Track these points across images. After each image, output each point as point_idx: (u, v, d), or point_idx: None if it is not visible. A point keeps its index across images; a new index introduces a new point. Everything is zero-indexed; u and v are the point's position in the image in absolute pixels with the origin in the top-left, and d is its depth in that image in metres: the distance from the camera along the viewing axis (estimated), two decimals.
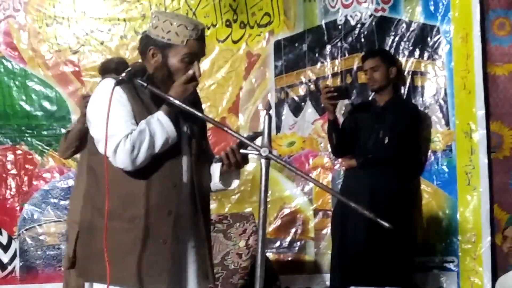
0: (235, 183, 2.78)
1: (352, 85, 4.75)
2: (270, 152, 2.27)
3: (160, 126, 2.51)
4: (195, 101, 2.70)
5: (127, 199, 2.58)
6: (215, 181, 2.70)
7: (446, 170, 4.70)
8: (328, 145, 4.69)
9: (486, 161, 4.59)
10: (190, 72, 2.55)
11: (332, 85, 4.52)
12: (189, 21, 2.59)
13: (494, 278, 4.49)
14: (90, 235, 2.64)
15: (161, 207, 2.57)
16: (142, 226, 2.56)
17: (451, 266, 4.69)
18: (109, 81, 2.54)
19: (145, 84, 2.53)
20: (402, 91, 4.80)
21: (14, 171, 4.83)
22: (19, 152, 4.84)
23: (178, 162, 2.62)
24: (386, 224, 2.18)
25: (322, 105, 4.49)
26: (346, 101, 4.70)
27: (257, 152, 2.29)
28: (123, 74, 2.52)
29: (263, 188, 2.25)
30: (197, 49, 2.56)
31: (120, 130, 2.49)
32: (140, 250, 2.56)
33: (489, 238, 4.56)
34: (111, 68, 4.11)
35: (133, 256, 2.56)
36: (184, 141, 2.64)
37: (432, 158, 4.74)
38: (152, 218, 2.56)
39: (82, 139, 4.06)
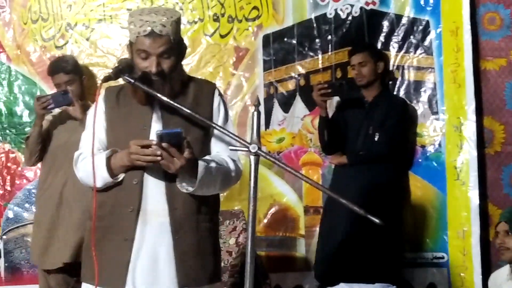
0: (201, 190, 2.69)
1: (344, 79, 4.80)
2: (259, 148, 2.34)
3: (100, 173, 2.66)
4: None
5: (100, 199, 2.70)
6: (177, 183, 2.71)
7: (435, 164, 4.80)
8: (318, 142, 4.73)
9: (475, 155, 4.67)
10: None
11: (325, 81, 4.52)
12: (141, 18, 2.65)
13: (488, 274, 4.52)
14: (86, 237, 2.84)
15: (122, 205, 2.67)
16: (106, 224, 2.69)
17: (441, 262, 4.76)
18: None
19: (132, 81, 2.60)
20: (392, 85, 4.83)
21: None
22: (1, 150, 4.88)
23: None
24: (377, 221, 2.22)
25: (315, 100, 4.54)
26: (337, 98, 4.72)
27: (246, 149, 2.34)
28: (110, 71, 2.59)
29: (252, 185, 2.35)
30: (146, 45, 2.64)
31: (81, 148, 2.79)
32: (104, 248, 2.67)
33: (478, 234, 4.61)
34: (61, 66, 4.18)
35: (98, 254, 2.65)
36: (153, 136, 2.68)
37: (421, 152, 4.78)
38: (114, 216, 2.67)
39: (44, 143, 4.12)
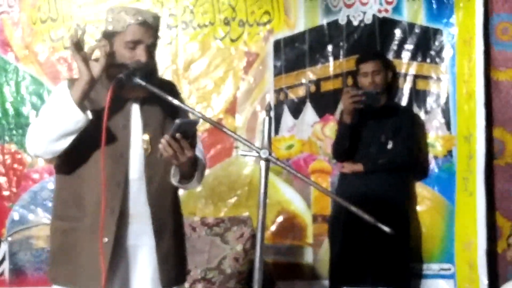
0: (193, 184, 2.73)
1: (379, 89, 4.66)
2: (270, 154, 2.31)
3: (67, 111, 2.56)
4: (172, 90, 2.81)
5: (67, 199, 2.71)
6: (171, 178, 2.72)
7: (447, 175, 4.80)
8: (328, 149, 4.75)
9: (483, 166, 4.67)
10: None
11: (360, 89, 4.50)
12: (133, 9, 2.72)
13: (496, 286, 4.53)
14: (50, 236, 2.84)
15: (104, 206, 2.62)
16: (84, 225, 2.67)
17: (448, 273, 4.75)
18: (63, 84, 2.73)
19: (143, 83, 2.59)
20: (405, 95, 4.88)
21: (2, 171, 4.90)
22: (7, 151, 4.90)
23: (124, 159, 2.69)
24: (387, 229, 2.22)
25: (345, 106, 4.49)
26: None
27: (257, 154, 2.33)
28: (122, 73, 2.60)
29: (262, 191, 2.31)
30: (139, 34, 2.65)
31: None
32: (84, 249, 2.66)
33: (485, 246, 4.61)
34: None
35: (77, 256, 2.67)
36: (134, 135, 2.71)
37: (434, 163, 4.79)
38: (95, 218, 2.63)
39: None
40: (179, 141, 2.53)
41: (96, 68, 2.58)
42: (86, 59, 2.57)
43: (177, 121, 2.52)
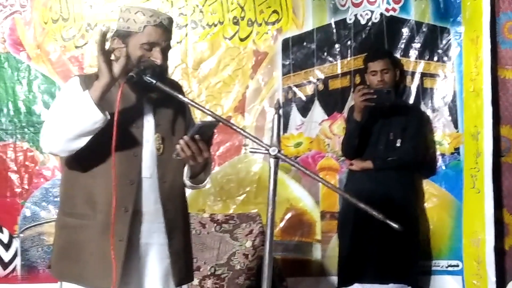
0: (205, 182, 2.80)
1: (390, 87, 4.63)
2: (279, 151, 2.31)
3: (85, 113, 2.53)
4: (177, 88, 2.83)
5: (78, 196, 2.70)
6: (185, 178, 2.76)
7: (454, 173, 4.82)
8: (336, 147, 4.77)
9: (491, 163, 4.68)
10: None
11: (372, 87, 4.51)
12: (149, 10, 2.71)
13: (502, 283, 4.53)
14: (56, 233, 2.82)
15: (116, 205, 2.60)
16: (97, 223, 2.65)
17: (455, 269, 4.76)
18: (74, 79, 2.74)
19: (154, 81, 2.60)
20: (412, 93, 4.92)
21: (14, 169, 4.92)
22: (20, 149, 4.93)
23: (138, 158, 2.69)
24: (396, 225, 2.22)
25: (355, 104, 4.50)
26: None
27: (266, 151, 2.32)
28: (133, 71, 2.59)
29: (271, 188, 2.31)
30: (155, 36, 2.65)
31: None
32: (95, 247, 2.65)
33: (493, 242, 4.61)
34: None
35: (87, 254, 2.66)
36: (147, 134, 2.72)
37: (441, 161, 4.79)
38: (107, 216, 2.62)
39: None
40: (198, 142, 2.55)
41: (116, 69, 2.57)
42: (109, 60, 2.56)
43: (199, 122, 2.54)
